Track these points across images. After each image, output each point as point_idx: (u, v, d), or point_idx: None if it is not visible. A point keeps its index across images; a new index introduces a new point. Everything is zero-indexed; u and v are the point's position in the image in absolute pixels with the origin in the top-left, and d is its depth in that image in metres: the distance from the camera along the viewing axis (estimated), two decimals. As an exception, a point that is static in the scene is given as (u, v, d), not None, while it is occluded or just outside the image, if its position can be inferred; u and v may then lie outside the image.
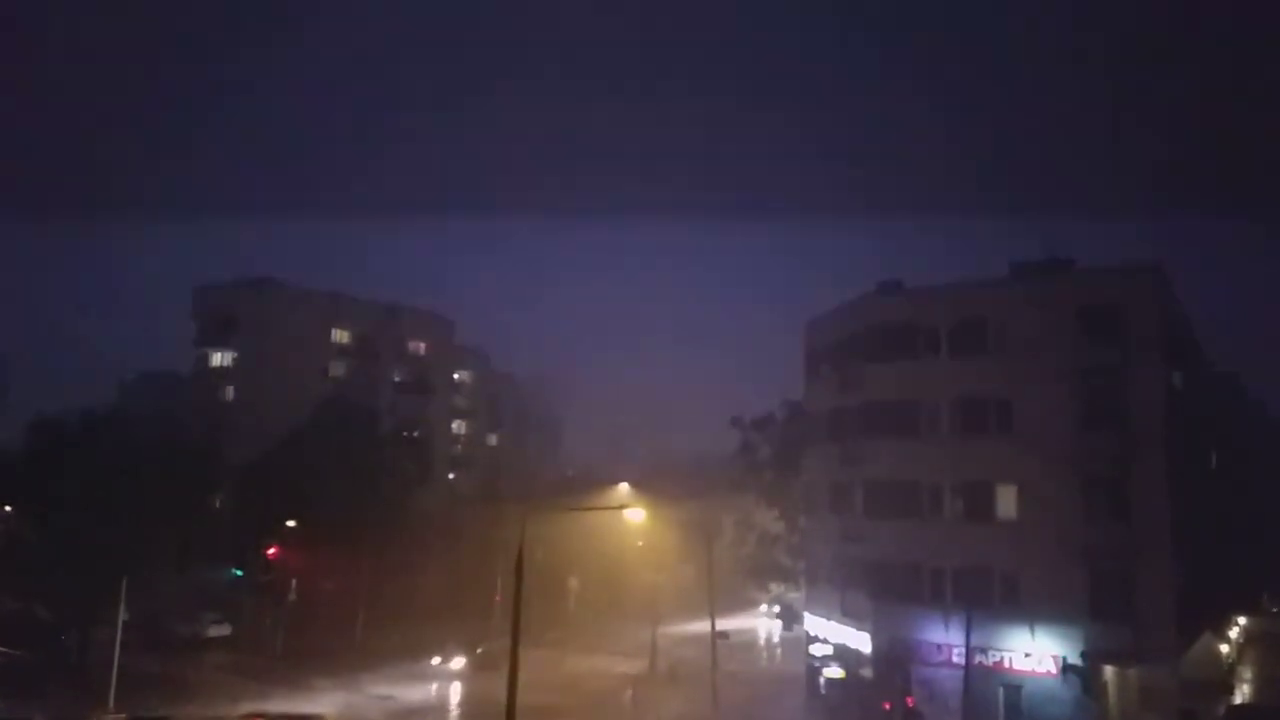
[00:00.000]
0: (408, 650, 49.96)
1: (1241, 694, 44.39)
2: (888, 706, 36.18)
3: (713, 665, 41.51)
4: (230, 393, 67.07)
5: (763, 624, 61.05)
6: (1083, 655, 33.59)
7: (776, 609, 50.69)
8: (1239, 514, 49.86)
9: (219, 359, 68.52)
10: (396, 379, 70.29)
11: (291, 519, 51.24)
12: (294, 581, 51.71)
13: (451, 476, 72.23)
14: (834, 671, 40.50)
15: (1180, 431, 36.13)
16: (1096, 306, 35.45)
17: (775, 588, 53.89)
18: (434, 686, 45.24)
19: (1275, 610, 58.70)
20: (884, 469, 38.55)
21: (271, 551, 51.39)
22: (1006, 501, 36.04)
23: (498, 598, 55.02)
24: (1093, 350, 35.04)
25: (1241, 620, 51.42)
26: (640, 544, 55.72)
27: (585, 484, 61.42)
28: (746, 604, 61.97)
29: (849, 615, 39.80)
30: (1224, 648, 45.19)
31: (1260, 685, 46.60)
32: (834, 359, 42.53)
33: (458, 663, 48.15)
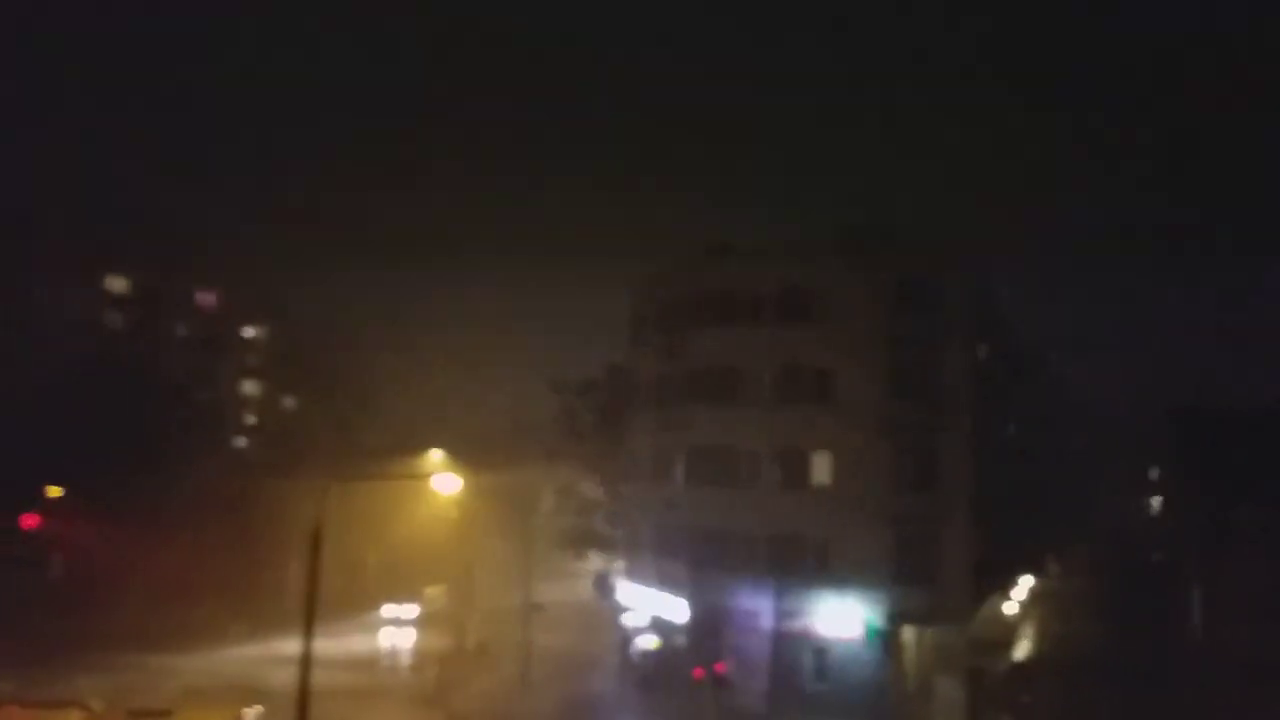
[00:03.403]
0: (188, 630, 45.60)
1: (1022, 650, 47.55)
2: (699, 674, 35.84)
3: (524, 638, 39.96)
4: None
5: (580, 595, 60.23)
6: (886, 617, 34.51)
7: (593, 579, 49.74)
8: (1029, 480, 53.29)
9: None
10: (180, 333, 63.79)
11: (55, 485, 45.47)
12: (58, 555, 46.00)
13: (243, 442, 66.64)
14: (648, 641, 39.95)
15: (983, 402, 37.60)
16: (912, 278, 36.23)
17: (595, 558, 52.91)
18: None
19: (1056, 571, 63.69)
20: (705, 436, 38.15)
21: (29, 521, 45.48)
22: (821, 469, 36.44)
23: (290, 573, 51.20)
24: (906, 321, 35.78)
25: (1027, 580, 55.19)
26: (453, 515, 53.31)
27: (395, 451, 58.14)
28: (565, 575, 60.91)
29: (666, 584, 39.31)
30: (1010, 607, 48.16)
31: (1040, 642, 50.18)
32: (659, 323, 41.65)
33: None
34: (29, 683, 35.20)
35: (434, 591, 55.00)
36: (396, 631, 51.95)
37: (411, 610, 53.80)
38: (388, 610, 54.28)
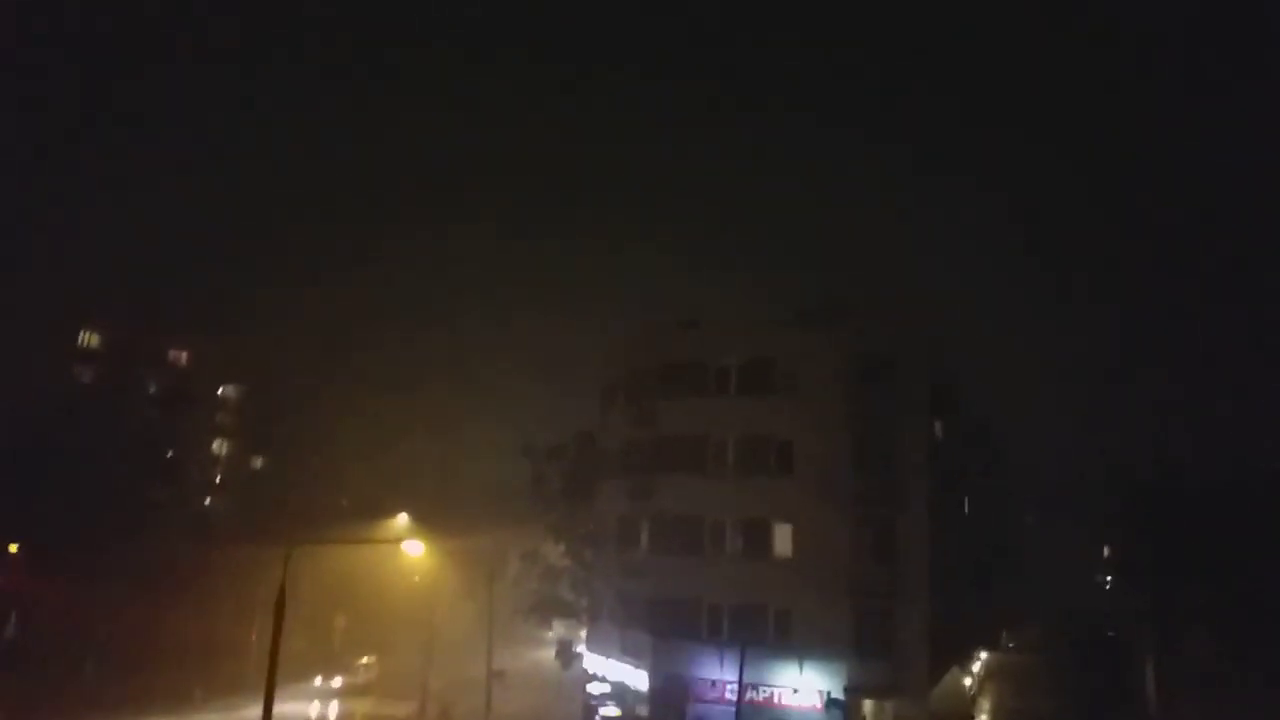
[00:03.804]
0: (147, 697, 44.80)
1: (980, 724, 47.86)
2: (661, 744, 35.98)
3: (486, 705, 39.84)
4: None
5: (543, 662, 59.76)
6: (845, 690, 34.97)
7: (556, 646, 49.61)
8: (984, 555, 54.22)
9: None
10: (151, 390, 63.48)
11: (12, 542, 45.01)
12: (13, 615, 45.35)
13: (208, 501, 65.96)
14: (610, 710, 39.93)
15: (940, 477, 38.70)
16: (869, 354, 37.46)
17: (558, 625, 52.77)
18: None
19: (1011, 646, 64.24)
20: (671, 504, 38.74)
21: (-15, 580, 44.92)
22: (783, 539, 37.04)
23: (254, 636, 50.56)
24: (865, 395, 36.92)
25: (982, 655, 55.70)
26: (417, 579, 53.11)
27: (362, 514, 58.01)
28: (529, 641, 60.50)
29: (628, 652, 39.46)
30: (967, 681, 48.59)
31: (995, 714, 50.53)
32: (628, 393, 42.51)
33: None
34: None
35: (365, 662, 53.48)
36: (323, 703, 49.59)
37: (338, 681, 52.38)
38: (319, 681, 52.96)
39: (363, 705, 46.78)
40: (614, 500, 42.45)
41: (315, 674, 53.38)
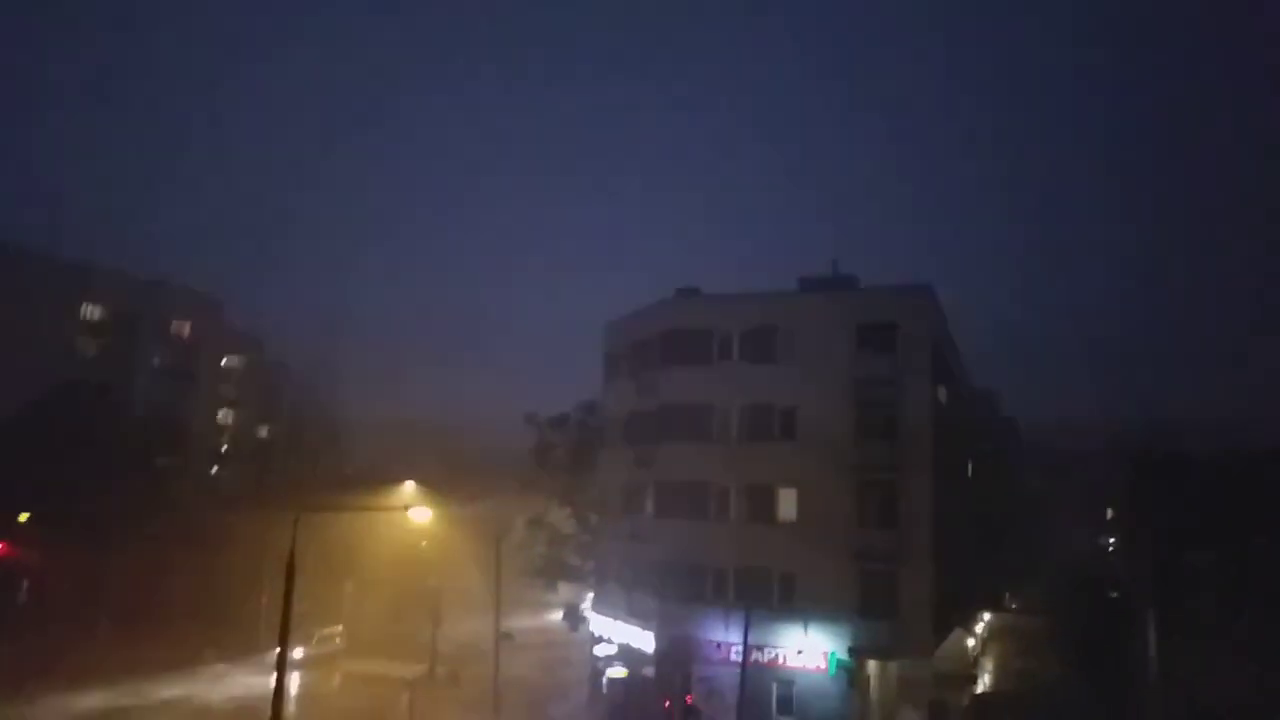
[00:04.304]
0: (158, 659, 45.47)
1: (983, 684, 48.50)
2: (667, 705, 36.51)
3: (495, 668, 40.40)
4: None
5: (550, 625, 60.45)
6: (850, 651, 35.42)
7: (563, 609, 50.19)
8: (987, 519, 54.62)
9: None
10: (155, 362, 63.74)
11: (23, 511, 45.38)
12: (25, 582, 45.83)
13: (215, 470, 66.44)
14: (617, 671, 40.50)
15: (943, 442, 38.89)
16: (874, 322, 37.55)
17: (564, 588, 53.35)
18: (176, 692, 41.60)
19: (1014, 607, 64.84)
20: (675, 470, 39.04)
21: (-3, 547, 45.30)
22: (787, 504, 37.43)
23: (264, 600, 51.17)
24: (869, 362, 37.07)
25: (986, 616, 56.28)
26: (424, 544, 53.60)
27: (369, 481, 58.38)
28: (535, 605, 61.11)
29: (635, 615, 39.95)
30: (970, 642, 49.17)
31: (999, 675, 51.19)
32: (632, 361, 42.67)
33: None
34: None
35: (327, 632, 51.61)
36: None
37: (299, 652, 48.29)
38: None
39: (367, 666, 47.44)
40: (618, 467, 42.77)
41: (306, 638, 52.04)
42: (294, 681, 45.02)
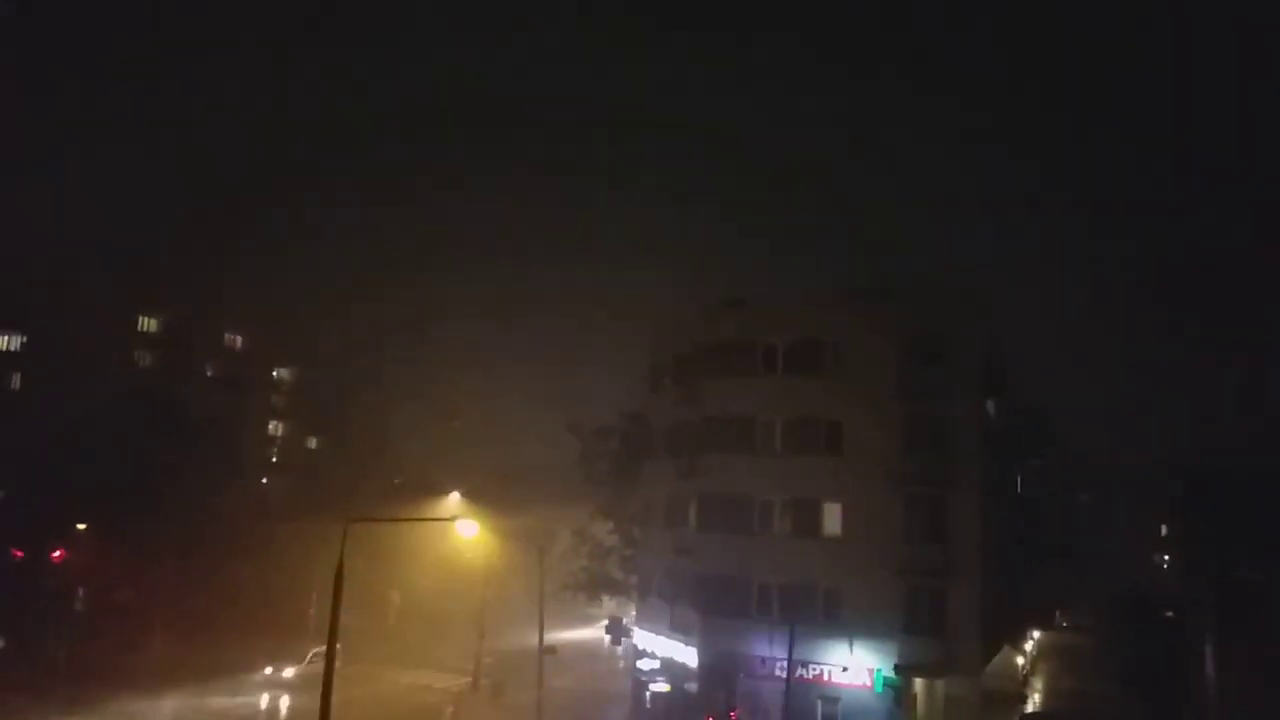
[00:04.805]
0: (211, 667, 46.30)
1: (1033, 703, 47.56)
2: (711, 720, 36.30)
3: (539, 681, 40.51)
4: (16, 380, 60.70)
5: (594, 638, 60.46)
6: (896, 668, 34.90)
7: (606, 623, 50.17)
8: (1037, 534, 53.61)
9: (4, 343, 61.99)
10: (209, 373, 65.33)
11: (81, 520, 46.62)
12: (81, 589, 47.02)
13: (265, 481, 67.76)
14: (660, 686, 40.33)
15: (992, 456, 38.26)
16: (922, 334, 37.06)
17: (607, 601, 53.34)
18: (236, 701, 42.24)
19: (1064, 625, 63.61)
20: (719, 483, 38.78)
21: (57, 554, 46.58)
22: (832, 518, 36.96)
23: (312, 610, 51.88)
24: (917, 375, 36.57)
25: (1036, 634, 55.22)
26: (469, 556, 53.99)
27: (415, 492, 59.03)
28: (578, 618, 61.21)
29: (677, 629, 39.78)
30: (1020, 660, 48.25)
31: (1049, 694, 50.16)
32: (676, 372, 42.59)
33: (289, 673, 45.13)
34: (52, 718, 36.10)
35: (320, 650, 50.08)
36: (275, 693, 45.65)
37: (289, 671, 47.36)
38: (268, 671, 47.88)
39: (412, 678, 47.75)
40: (661, 479, 42.67)
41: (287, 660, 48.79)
42: (281, 703, 43.96)
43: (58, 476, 46.48)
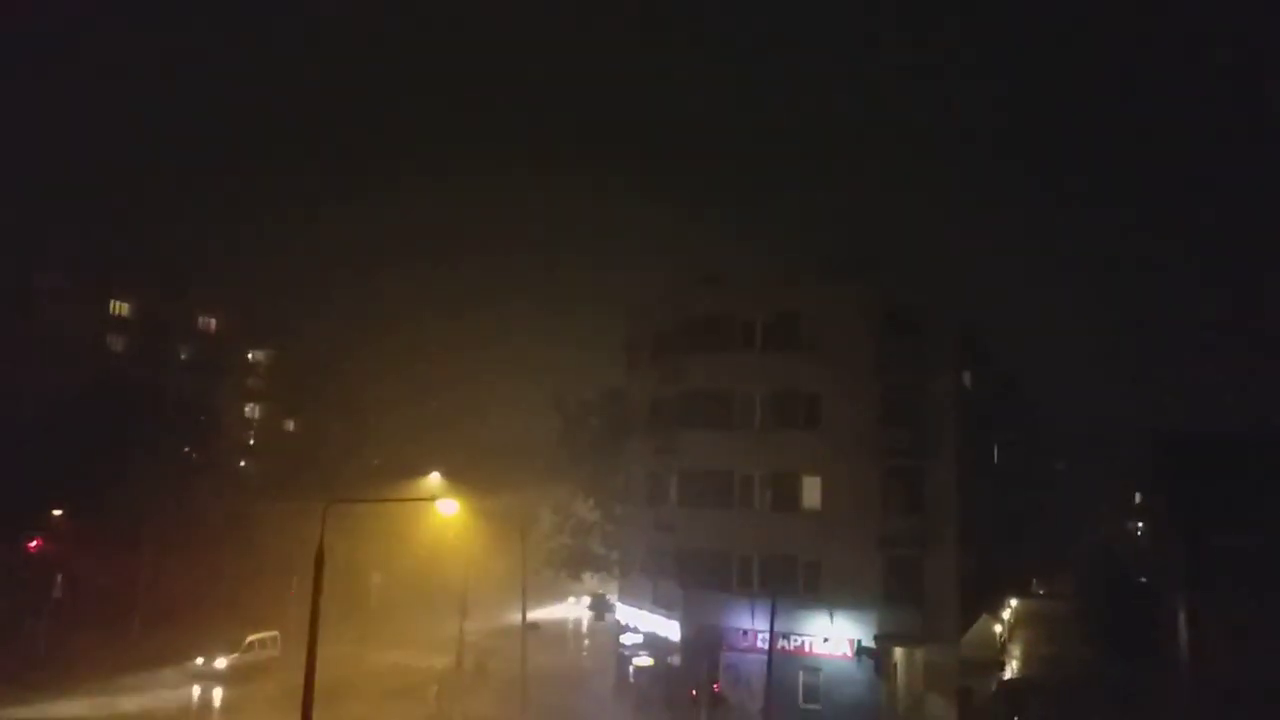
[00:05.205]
0: (189, 650, 46.05)
1: (1011, 670, 48.31)
2: (694, 693, 36.59)
3: (522, 657, 40.65)
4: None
5: (576, 614, 60.74)
6: (876, 638, 35.33)
7: (589, 599, 50.39)
8: (1014, 504, 54.27)
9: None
10: (183, 356, 64.53)
11: (56, 507, 46.11)
12: (59, 576, 46.57)
13: (242, 464, 67.23)
14: (643, 660, 40.61)
15: (968, 427, 38.61)
16: (899, 309, 37.28)
17: (589, 578, 53.55)
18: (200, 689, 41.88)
19: (1041, 593, 64.54)
20: (699, 459, 38.97)
21: (33, 544, 46.05)
22: (812, 491, 37.28)
23: (292, 593, 51.68)
24: (894, 348, 36.80)
25: (1013, 602, 55.99)
26: (450, 536, 53.95)
27: (395, 473, 58.82)
28: (561, 595, 61.43)
29: (660, 604, 40.02)
30: (997, 628, 48.93)
31: (1027, 661, 50.96)
32: (654, 349, 42.59)
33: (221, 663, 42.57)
34: (32, 704, 35.82)
35: (258, 638, 44.83)
36: (205, 686, 42.08)
37: (223, 661, 43.14)
38: (199, 662, 43.14)
39: (395, 657, 47.64)
40: (642, 456, 42.78)
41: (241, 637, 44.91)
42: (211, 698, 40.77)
43: (33, 464, 45.90)
